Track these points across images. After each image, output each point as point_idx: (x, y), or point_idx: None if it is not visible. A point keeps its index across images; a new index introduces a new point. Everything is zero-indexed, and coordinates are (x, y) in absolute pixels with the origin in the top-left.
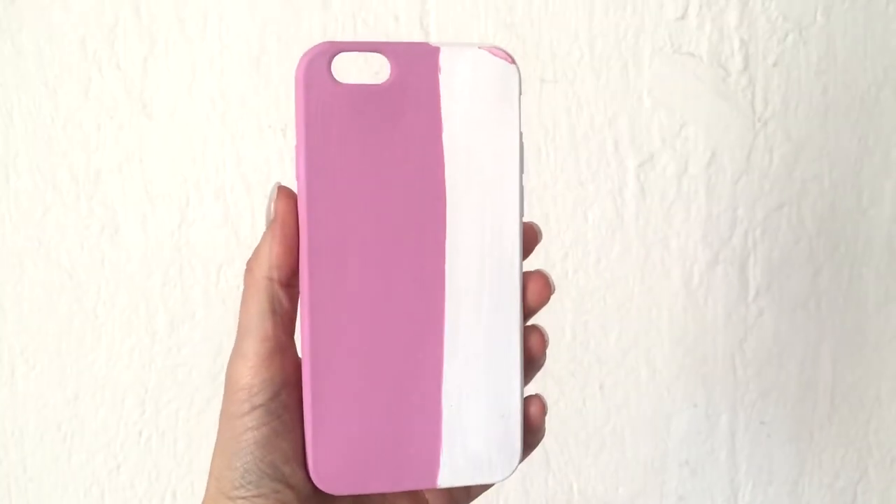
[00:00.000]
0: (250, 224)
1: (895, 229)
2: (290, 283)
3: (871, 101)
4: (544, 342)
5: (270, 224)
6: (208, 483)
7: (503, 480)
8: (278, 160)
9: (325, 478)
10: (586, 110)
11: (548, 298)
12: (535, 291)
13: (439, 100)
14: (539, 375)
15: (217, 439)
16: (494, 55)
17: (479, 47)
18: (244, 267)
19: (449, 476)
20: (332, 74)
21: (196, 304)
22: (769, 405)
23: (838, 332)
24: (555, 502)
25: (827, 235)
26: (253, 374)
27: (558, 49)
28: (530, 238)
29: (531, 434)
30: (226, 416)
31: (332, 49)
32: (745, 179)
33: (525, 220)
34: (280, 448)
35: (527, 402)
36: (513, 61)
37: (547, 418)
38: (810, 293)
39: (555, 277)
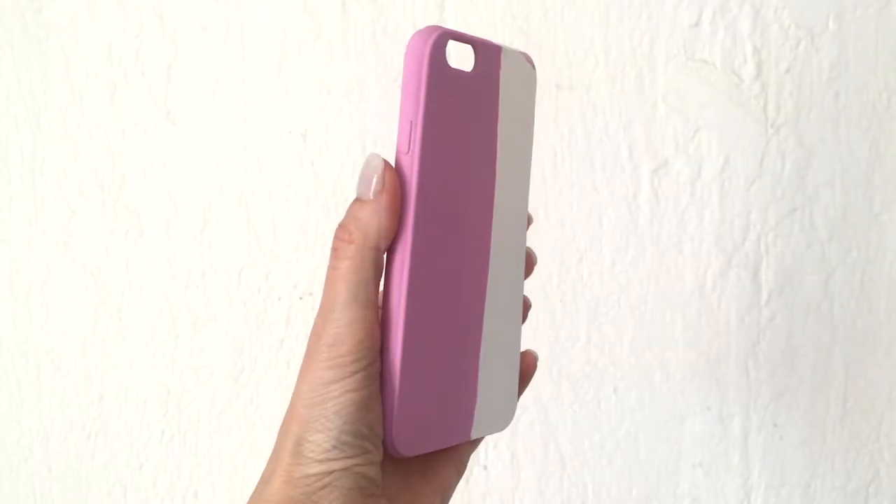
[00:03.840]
0: (271, 228)
1: None
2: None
3: (883, 107)
4: (527, 307)
5: (378, 195)
6: (280, 453)
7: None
8: (298, 165)
9: (404, 441)
10: (601, 116)
11: (531, 271)
12: (528, 266)
13: (499, 93)
14: (555, 377)
15: (298, 406)
16: (526, 59)
17: (520, 52)
18: (265, 270)
19: (477, 429)
20: (446, 58)
21: (218, 306)
22: (782, 408)
23: (850, 335)
24: (570, 503)
25: (839, 240)
26: (364, 336)
27: (574, 56)
28: (528, 262)
29: (524, 385)
30: (317, 381)
31: (446, 35)
32: (757, 185)
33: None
34: (374, 409)
35: (524, 355)
36: (534, 66)
37: (556, 406)
38: (822, 297)
39: (570, 281)
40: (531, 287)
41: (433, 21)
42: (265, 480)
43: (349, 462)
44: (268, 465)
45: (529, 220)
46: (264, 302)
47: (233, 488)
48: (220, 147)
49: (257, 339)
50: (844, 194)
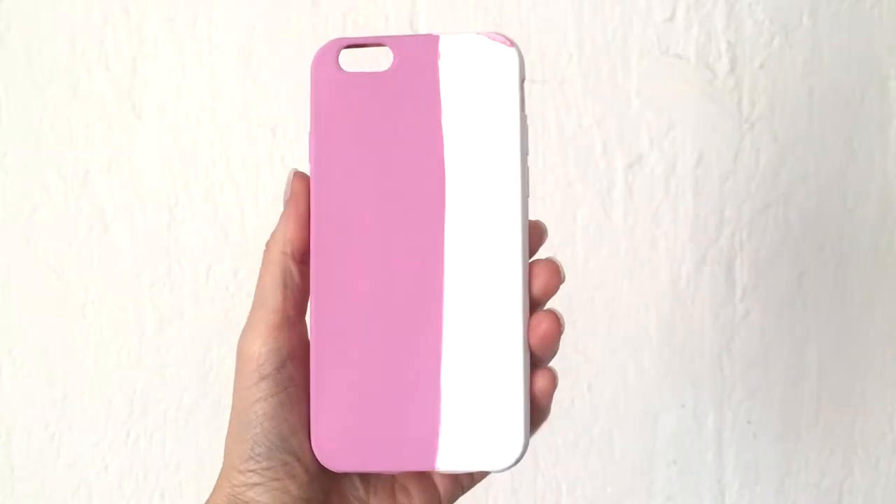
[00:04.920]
0: (240, 223)
1: (880, 230)
2: (303, 259)
3: (857, 103)
4: (560, 328)
5: (285, 203)
6: (223, 462)
7: (505, 470)
8: (268, 159)
9: (326, 454)
10: (574, 111)
11: (557, 286)
12: (544, 279)
13: (438, 84)
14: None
15: (230, 416)
16: (493, 39)
17: (479, 33)
18: (233, 267)
19: (448, 460)
20: (339, 65)
21: (185, 303)
22: (756, 405)
23: (824, 332)
24: (543, 502)
25: (813, 236)
26: (261, 343)
27: (547, 50)
28: (534, 237)
29: (536, 412)
30: (236, 389)
31: (340, 43)
32: (731, 180)
33: (532, 219)
34: (288, 420)
35: (535, 375)
36: (512, 44)
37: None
38: (796, 293)
39: None
40: None
41: (404, 14)
42: (214, 487)
43: (266, 475)
44: None
45: (544, 233)
46: (233, 299)
47: (200, 489)
48: (187, 141)
49: (226, 338)
50: (818, 190)
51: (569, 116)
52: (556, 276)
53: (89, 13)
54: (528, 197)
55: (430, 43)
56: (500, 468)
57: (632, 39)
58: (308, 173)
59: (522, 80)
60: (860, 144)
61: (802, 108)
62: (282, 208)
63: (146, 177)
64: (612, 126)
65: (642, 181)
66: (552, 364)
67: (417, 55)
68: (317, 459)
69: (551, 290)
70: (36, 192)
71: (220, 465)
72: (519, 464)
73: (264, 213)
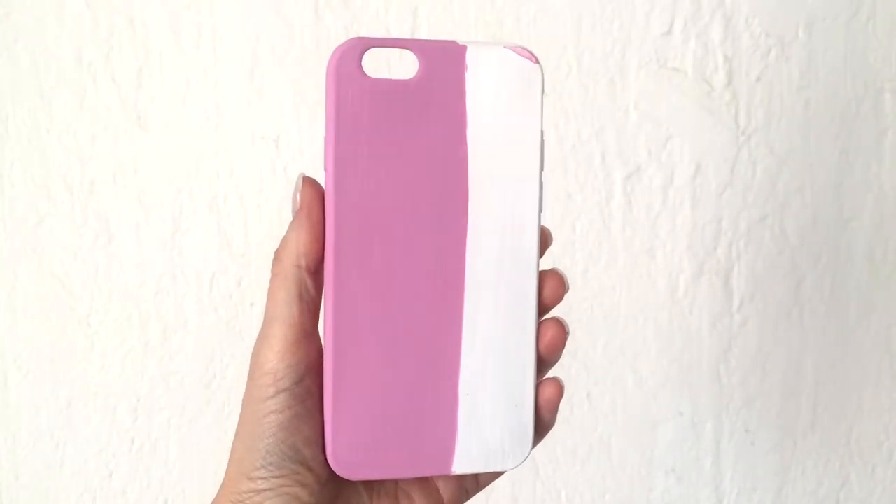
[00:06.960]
0: (243, 234)
1: (876, 240)
2: (316, 270)
3: (852, 115)
4: (565, 334)
5: (297, 213)
6: (228, 467)
7: (515, 468)
8: (271, 171)
9: (343, 463)
10: (574, 123)
11: (562, 296)
12: (551, 289)
13: (465, 96)
14: None
15: (239, 423)
16: (519, 54)
17: (505, 46)
18: (236, 277)
19: (463, 463)
20: (362, 69)
21: (188, 312)
22: (753, 413)
23: (821, 341)
24: None
25: (809, 246)
26: (279, 359)
27: (547, 63)
28: (542, 240)
29: (540, 423)
30: (249, 399)
31: (363, 44)
32: (729, 192)
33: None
34: (302, 431)
35: (543, 385)
36: (536, 61)
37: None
38: (793, 303)
39: None
40: None
41: (406, 27)
42: (218, 493)
43: (276, 483)
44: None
45: (547, 237)
46: (236, 308)
47: (203, 496)
48: (192, 152)
49: (229, 346)
50: (814, 201)
51: (568, 128)
52: (561, 286)
53: (95, 26)
54: (542, 210)
55: (456, 52)
56: (509, 468)
57: (630, 53)
58: (316, 179)
59: (542, 96)
60: (856, 156)
61: (798, 121)
62: (288, 217)
63: (151, 187)
64: (611, 138)
65: (640, 192)
66: (557, 374)
67: (444, 65)
68: (328, 469)
69: (557, 299)
70: (42, 202)
71: (223, 473)
72: (519, 468)
73: (268, 224)
